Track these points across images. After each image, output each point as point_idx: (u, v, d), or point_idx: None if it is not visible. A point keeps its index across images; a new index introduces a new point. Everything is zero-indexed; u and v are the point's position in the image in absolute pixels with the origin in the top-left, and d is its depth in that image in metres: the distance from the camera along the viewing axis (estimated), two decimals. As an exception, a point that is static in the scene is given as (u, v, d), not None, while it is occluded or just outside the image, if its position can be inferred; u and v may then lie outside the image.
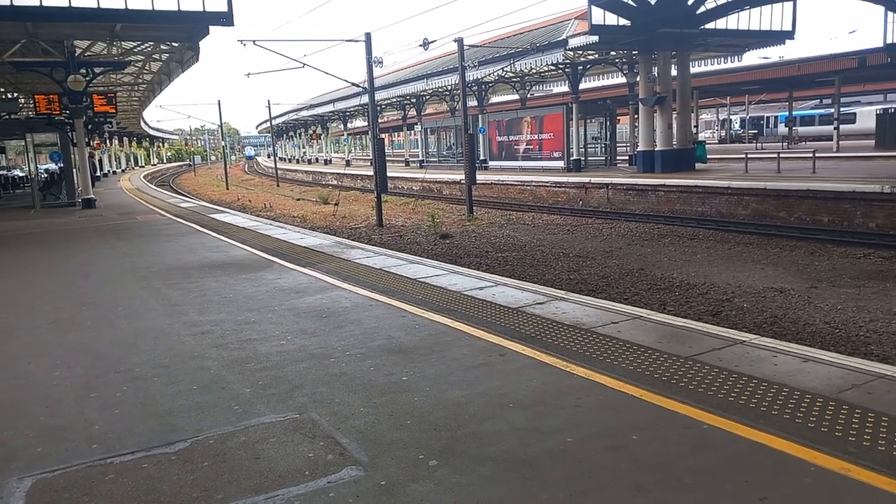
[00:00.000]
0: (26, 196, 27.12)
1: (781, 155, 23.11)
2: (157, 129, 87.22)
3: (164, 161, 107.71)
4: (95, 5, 16.32)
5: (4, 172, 33.06)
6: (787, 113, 45.52)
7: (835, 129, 33.57)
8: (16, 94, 34.83)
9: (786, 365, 4.77)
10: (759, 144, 43.76)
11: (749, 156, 24.14)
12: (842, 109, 35.18)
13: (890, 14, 20.65)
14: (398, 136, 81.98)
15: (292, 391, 4.72)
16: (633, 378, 4.63)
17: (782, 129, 46.96)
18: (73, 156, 25.05)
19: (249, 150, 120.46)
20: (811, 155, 21.93)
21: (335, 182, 45.89)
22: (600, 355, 5.15)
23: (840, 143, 32.89)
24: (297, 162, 75.32)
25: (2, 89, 33.78)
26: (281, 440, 3.92)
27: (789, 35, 26.69)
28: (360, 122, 71.44)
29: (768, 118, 52.73)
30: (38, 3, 15.95)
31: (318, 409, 4.35)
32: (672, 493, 3.16)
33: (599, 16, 23.15)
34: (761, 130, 51.87)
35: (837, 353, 5.71)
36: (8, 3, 15.74)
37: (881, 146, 31.63)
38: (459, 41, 22.01)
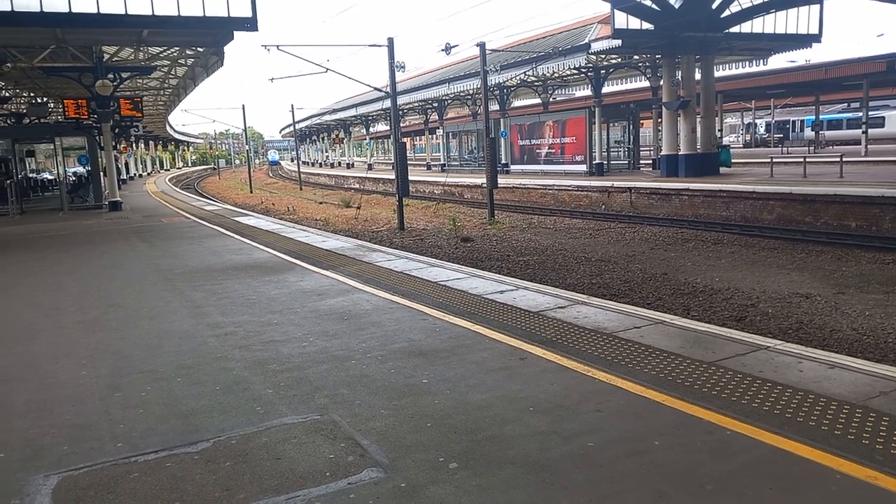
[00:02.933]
0: (55, 198, 27.60)
1: (808, 159, 22.80)
2: (183, 133, 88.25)
3: (189, 165, 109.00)
4: (123, 11, 16.57)
5: (34, 175, 33.66)
6: (813, 117, 44.91)
7: (863, 133, 33.08)
8: (45, 99, 35.48)
9: (811, 371, 4.70)
10: (784, 149, 43.21)
11: (774, 160, 23.84)
12: (870, 113, 34.66)
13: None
14: (420, 140, 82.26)
15: (314, 392, 4.75)
16: (655, 383, 4.59)
17: (809, 133, 46.30)
18: (100, 159, 25.45)
19: (273, 155, 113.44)
20: (838, 159, 21.60)
21: (357, 186, 46.12)
22: (622, 360, 5.12)
23: (868, 147, 32.38)
24: (320, 166, 75.86)
25: (32, 94, 34.43)
26: (302, 441, 3.94)
27: (816, 38, 26.37)
28: (382, 127, 71.79)
29: (794, 122, 52.07)
30: (67, 10, 16.23)
31: (339, 411, 4.37)
32: (693, 499, 3.13)
33: (622, 20, 23.04)
34: (787, 135, 51.27)
35: (865, 359, 5.61)
36: (38, 9, 16.03)
37: (911, 150, 31.10)
38: (481, 45, 22.02)
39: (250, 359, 5.62)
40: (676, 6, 23.13)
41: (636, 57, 29.52)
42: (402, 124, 46.40)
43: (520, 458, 3.61)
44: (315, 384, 4.92)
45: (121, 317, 7.43)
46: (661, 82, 26.52)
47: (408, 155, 20.69)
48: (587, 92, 36.23)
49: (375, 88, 24.43)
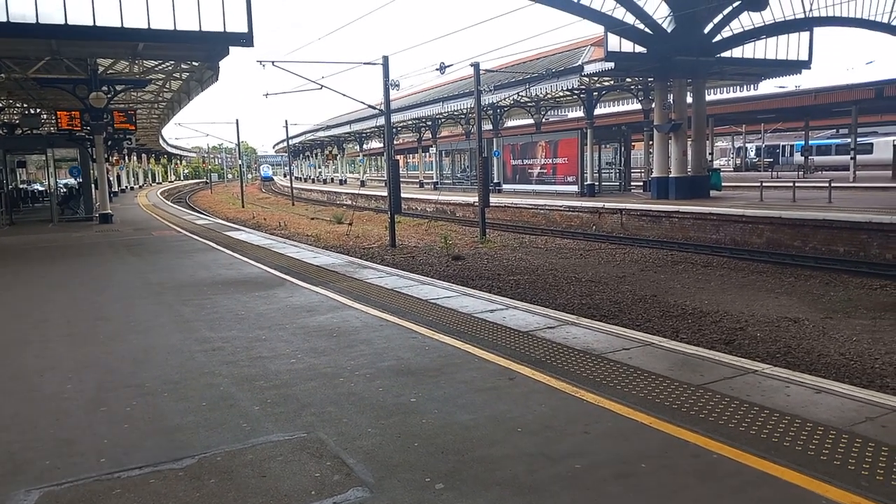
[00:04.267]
0: (45, 210, 27.46)
1: (797, 184, 23.00)
2: (176, 147, 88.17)
3: (182, 178, 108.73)
4: (119, 25, 16.61)
5: (25, 186, 33.51)
6: (803, 142, 45.40)
7: (851, 158, 33.42)
8: (38, 110, 35.42)
9: (798, 396, 4.72)
10: (774, 173, 43.64)
11: (764, 184, 24.05)
12: (858, 139, 35.06)
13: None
14: (413, 157, 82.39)
15: (301, 410, 4.72)
16: (643, 405, 4.59)
17: (798, 157, 46.81)
18: (91, 171, 25.38)
19: (266, 170, 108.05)
20: (827, 184, 21.81)
21: (349, 202, 46.13)
22: (610, 382, 5.12)
23: (857, 173, 32.70)
24: (313, 181, 75.88)
25: (25, 104, 34.38)
26: (288, 459, 3.91)
27: (806, 65, 26.74)
28: (375, 144, 71.89)
29: (784, 147, 52.63)
30: (63, 22, 16.26)
31: (326, 429, 4.35)
32: (680, 523, 3.12)
33: (615, 43, 23.28)
34: (777, 159, 51.79)
35: (852, 384, 5.65)
36: (34, 21, 16.05)
37: (898, 177, 31.42)
38: (476, 65, 22.21)
39: (238, 375, 5.58)
40: (669, 30, 23.42)
41: (628, 80, 29.83)
42: (395, 142, 46.58)
43: (507, 479, 3.59)
44: (302, 401, 4.89)
45: (108, 330, 7.38)
46: (653, 105, 26.76)
47: (401, 172, 20.76)
48: (579, 113, 36.54)
49: (369, 106, 24.54)
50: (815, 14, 25.66)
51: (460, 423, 4.38)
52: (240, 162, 54.42)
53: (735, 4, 23.05)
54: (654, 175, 26.50)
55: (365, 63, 20.65)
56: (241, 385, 5.31)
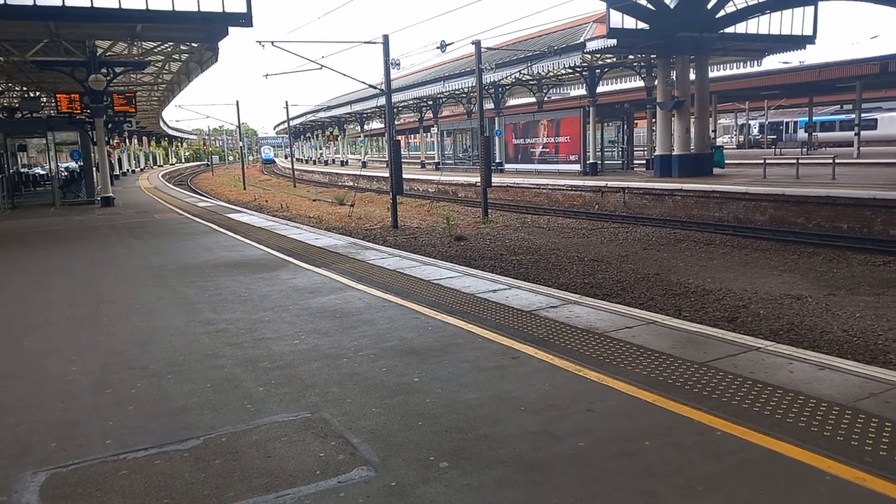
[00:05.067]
0: (47, 194, 27.45)
1: (801, 161, 22.89)
2: (176, 129, 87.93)
3: (183, 161, 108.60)
4: (117, 6, 16.48)
5: (26, 171, 33.47)
6: (806, 118, 45.10)
7: (855, 135, 33.22)
8: (38, 93, 35.26)
9: (802, 372, 4.72)
10: (778, 150, 43.40)
11: (768, 161, 23.95)
12: (863, 115, 34.80)
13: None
14: (414, 138, 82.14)
15: (304, 390, 4.74)
16: (646, 383, 4.59)
17: (802, 134, 46.51)
18: (92, 154, 25.33)
19: (267, 152, 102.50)
20: (831, 161, 21.70)
21: (351, 183, 46.05)
22: (614, 360, 5.12)
23: (861, 149, 32.53)
24: (314, 163, 75.71)
25: (24, 88, 34.23)
26: (292, 439, 3.93)
27: (810, 40, 26.45)
28: (376, 124, 71.68)
29: (788, 123, 52.27)
30: (60, 4, 16.13)
31: (330, 409, 4.36)
32: (684, 499, 3.13)
33: (618, 19, 23.06)
34: (780, 136, 51.46)
35: (855, 361, 5.64)
36: (31, 2, 15.93)
37: (903, 153, 31.25)
38: (477, 43, 22.01)
39: (241, 356, 5.60)
40: (672, 6, 23.16)
41: (631, 57, 29.57)
42: (396, 122, 46.34)
43: (511, 457, 3.60)
44: (306, 382, 4.91)
45: (112, 313, 7.40)
46: (656, 82, 26.57)
47: (402, 153, 20.69)
48: (582, 91, 36.26)
49: (370, 86, 24.41)
50: (820, -12, 25.35)
51: (464, 402, 4.39)
52: (241, 144, 54.22)
53: (739, -21, 22.81)
54: (656, 153, 26.38)
55: (365, 42, 20.51)
56: (245, 366, 5.33)
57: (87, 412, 4.50)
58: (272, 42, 19.92)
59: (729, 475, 3.34)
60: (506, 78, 32.53)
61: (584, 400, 4.36)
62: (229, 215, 19.32)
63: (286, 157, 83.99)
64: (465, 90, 37.33)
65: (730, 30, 24.63)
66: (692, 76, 25.00)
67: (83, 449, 3.91)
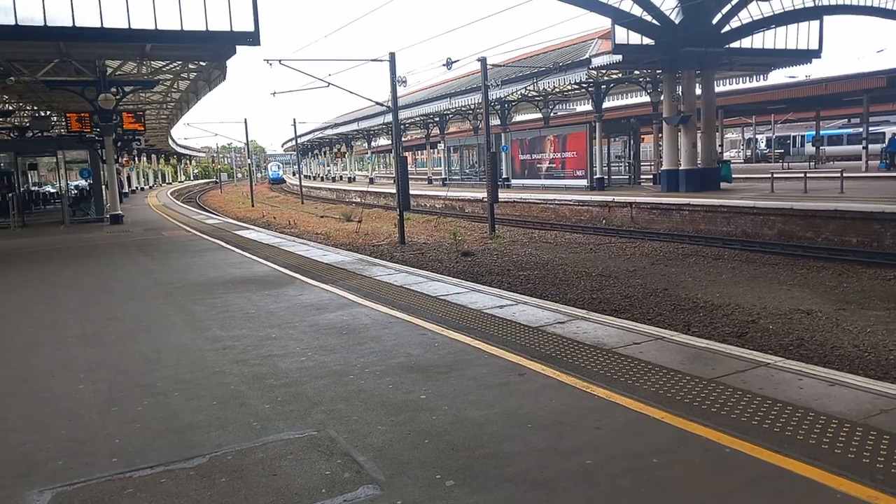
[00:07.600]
0: (56, 212, 27.66)
1: (808, 174, 22.82)
2: (185, 147, 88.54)
3: (191, 178, 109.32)
4: (127, 26, 16.68)
5: (36, 189, 33.76)
6: (814, 132, 45.00)
7: (863, 148, 33.10)
8: (48, 112, 35.64)
9: (812, 388, 4.67)
10: (785, 164, 43.29)
11: (775, 175, 23.86)
12: (870, 129, 34.71)
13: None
14: (421, 154, 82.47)
15: (311, 408, 4.72)
16: (654, 400, 4.56)
17: (809, 148, 46.38)
18: (102, 172, 25.52)
19: (274, 169, 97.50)
20: (839, 175, 21.63)
21: (358, 199, 46.21)
22: (621, 376, 5.09)
23: (869, 162, 32.40)
24: (322, 179, 76.04)
25: (35, 107, 34.59)
26: (298, 457, 3.91)
27: (816, 54, 26.51)
28: (384, 141, 71.99)
29: (795, 137, 52.16)
30: (71, 24, 16.34)
31: (336, 427, 4.35)
32: (693, 518, 3.10)
33: (623, 35, 23.17)
34: (788, 150, 51.34)
35: (866, 377, 5.59)
36: (42, 24, 16.14)
37: (911, 166, 31.12)
38: (483, 60, 22.13)
39: (248, 373, 5.59)
40: (677, 21, 23.27)
41: (637, 72, 29.68)
42: (403, 138, 46.49)
43: (518, 475, 3.58)
44: (312, 399, 4.89)
45: (120, 330, 7.42)
46: (662, 97, 26.63)
47: (409, 169, 20.75)
48: (588, 107, 36.41)
49: (377, 103, 24.53)
50: (825, 2, 25.44)
51: (470, 420, 4.36)
52: (249, 161, 54.53)
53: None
54: (663, 168, 26.39)
55: (372, 60, 20.64)
56: (252, 384, 5.32)
57: (94, 430, 4.49)
58: (280, 60, 20.13)
59: (738, 492, 3.30)
60: (512, 94, 32.67)
61: (591, 417, 4.33)
62: (237, 232, 19.40)
63: (293, 174, 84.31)
64: (472, 106, 37.53)
65: (735, 44, 24.73)
66: (698, 91, 25.04)
67: (89, 467, 3.90)
